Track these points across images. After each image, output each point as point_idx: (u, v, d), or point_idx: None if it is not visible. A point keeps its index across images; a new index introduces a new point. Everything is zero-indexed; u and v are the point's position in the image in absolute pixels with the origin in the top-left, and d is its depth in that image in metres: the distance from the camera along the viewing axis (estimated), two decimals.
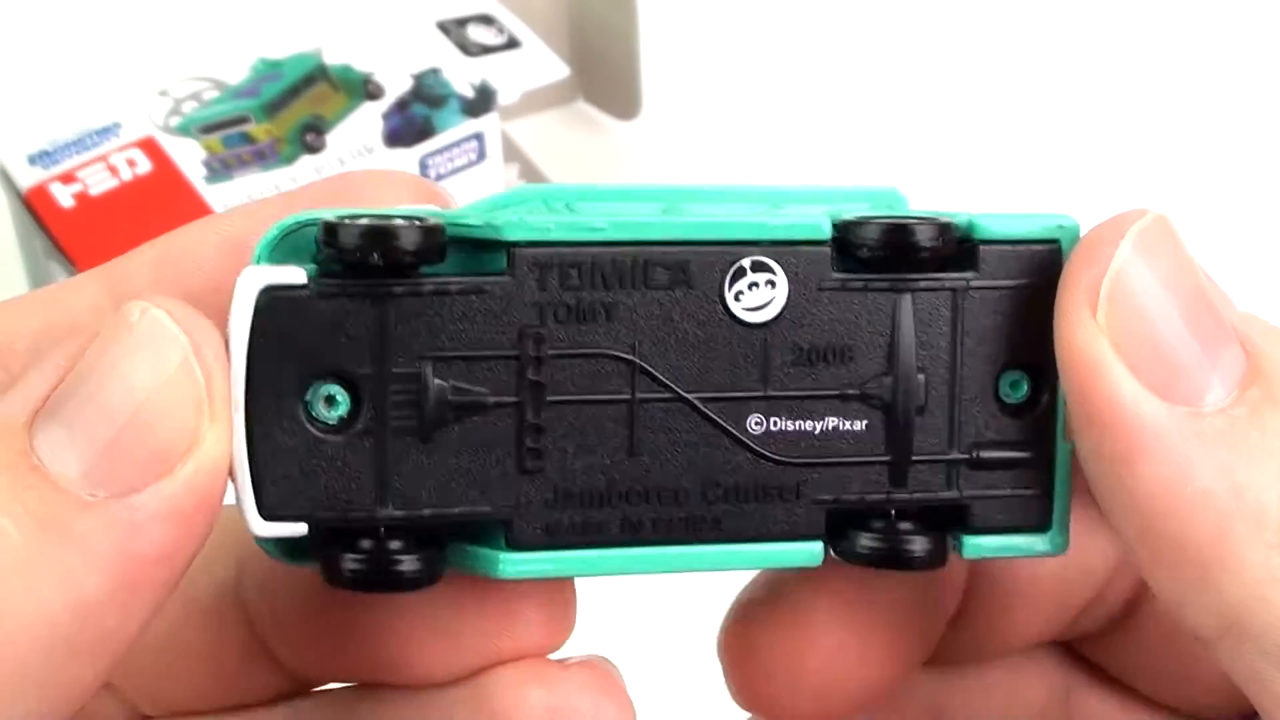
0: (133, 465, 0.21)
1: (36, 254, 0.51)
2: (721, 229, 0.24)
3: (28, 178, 0.50)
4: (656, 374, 0.24)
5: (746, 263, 0.24)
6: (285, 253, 0.23)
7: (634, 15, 0.57)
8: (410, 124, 0.52)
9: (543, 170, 0.59)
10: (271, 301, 0.22)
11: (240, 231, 0.25)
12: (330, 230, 0.22)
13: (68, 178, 0.50)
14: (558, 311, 0.23)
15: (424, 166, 0.52)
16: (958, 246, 0.24)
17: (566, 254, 0.23)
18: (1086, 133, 0.62)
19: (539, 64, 0.54)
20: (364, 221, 0.22)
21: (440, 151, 0.52)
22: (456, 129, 0.52)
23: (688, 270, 0.24)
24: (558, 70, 0.55)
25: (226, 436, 0.21)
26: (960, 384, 0.24)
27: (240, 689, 0.27)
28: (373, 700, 0.26)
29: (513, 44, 0.55)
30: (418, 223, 0.23)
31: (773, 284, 0.24)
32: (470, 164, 0.53)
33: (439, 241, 0.23)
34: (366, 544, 0.23)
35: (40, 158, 0.51)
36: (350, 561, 0.23)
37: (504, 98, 0.53)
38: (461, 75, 0.53)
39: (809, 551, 0.24)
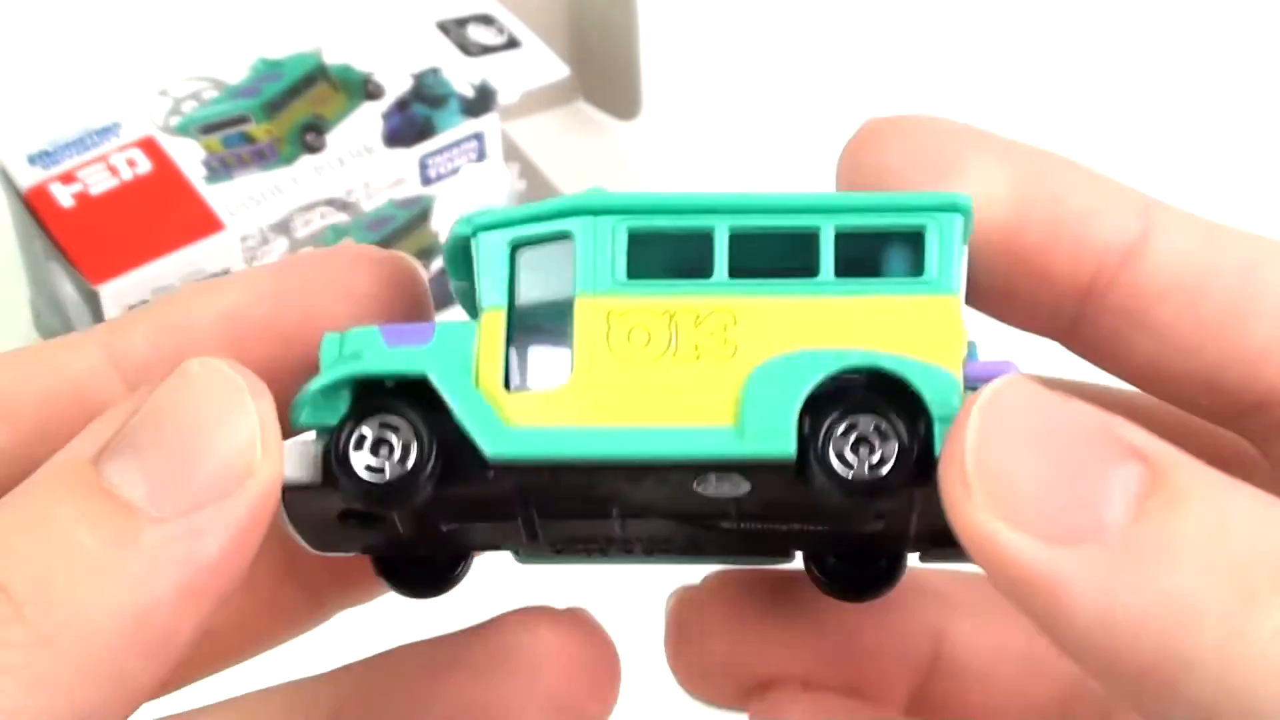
0: (195, 487, 0.24)
1: (36, 254, 0.51)
2: (685, 448, 0.25)
3: (28, 178, 0.50)
4: (636, 516, 0.27)
5: (712, 476, 0.25)
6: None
7: (634, 15, 0.57)
8: (410, 124, 0.52)
9: (543, 170, 0.59)
10: (291, 496, 0.25)
11: (236, 305, 0.27)
12: (333, 478, 0.25)
13: (68, 178, 0.50)
14: (540, 494, 0.26)
15: (424, 166, 0.52)
16: (914, 467, 0.24)
17: (543, 468, 0.25)
18: (1088, 134, 0.62)
19: (539, 64, 0.54)
20: (366, 478, 0.25)
21: (440, 151, 0.52)
22: (456, 129, 0.52)
23: (657, 477, 0.25)
24: (558, 70, 0.55)
25: (276, 466, 0.24)
26: (916, 523, 0.27)
27: (272, 612, 0.30)
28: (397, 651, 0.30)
29: (513, 44, 0.55)
30: (418, 469, 0.25)
31: (738, 483, 0.25)
32: (470, 164, 0.53)
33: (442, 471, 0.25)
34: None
35: (40, 158, 0.51)
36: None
37: (504, 98, 0.53)
38: (461, 75, 0.53)
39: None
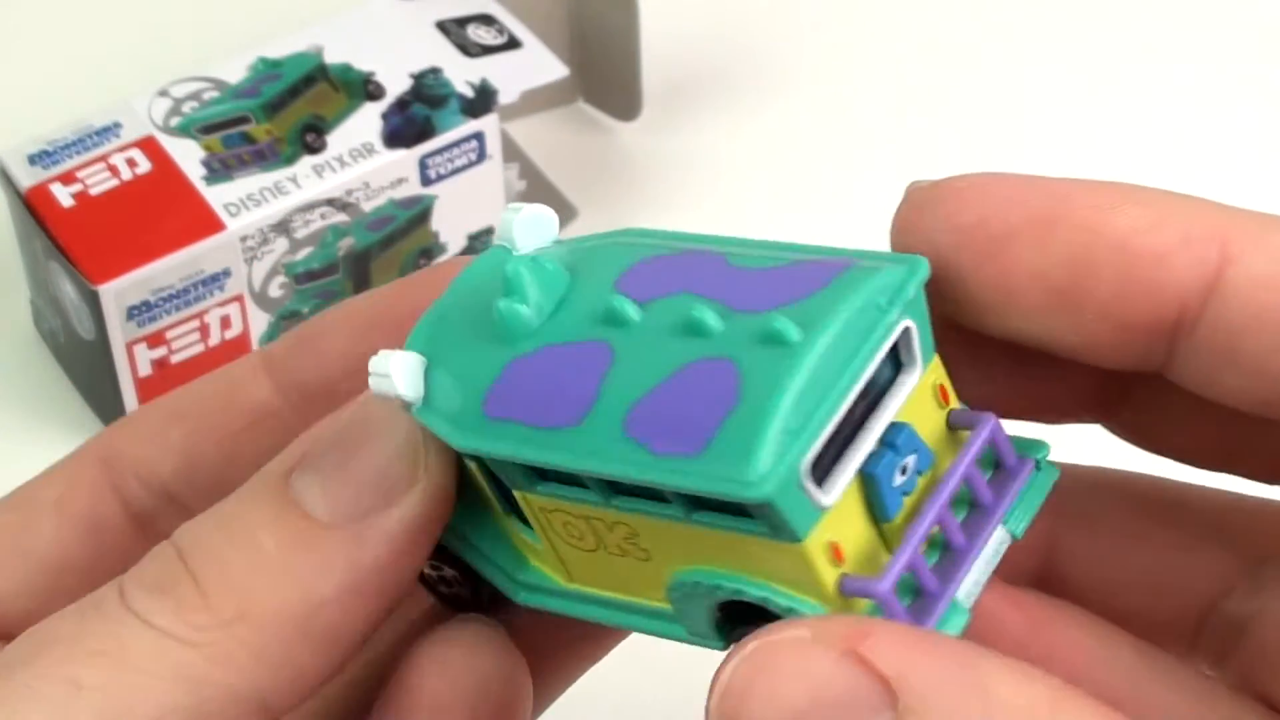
0: (362, 500, 0.28)
1: (36, 254, 0.51)
2: (643, 624, 0.29)
3: (28, 178, 0.50)
4: None
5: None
6: None
7: (634, 15, 0.57)
8: (410, 124, 0.52)
9: (543, 170, 0.59)
10: None
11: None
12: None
13: (68, 178, 0.50)
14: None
15: (424, 166, 0.52)
16: None
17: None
18: (1091, 136, 0.62)
19: (539, 64, 0.54)
20: (442, 591, 0.31)
21: (440, 151, 0.52)
22: (456, 129, 0.52)
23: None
24: (558, 70, 0.55)
25: (433, 481, 0.28)
26: None
27: None
28: None
29: (513, 44, 0.55)
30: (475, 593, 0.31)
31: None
32: (470, 164, 0.53)
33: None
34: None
35: (40, 158, 0.51)
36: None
37: (504, 98, 0.53)
38: (461, 75, 0.53)
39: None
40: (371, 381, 0.28)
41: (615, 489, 0.26)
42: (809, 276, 0.26)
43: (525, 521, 0.29)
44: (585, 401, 0.26)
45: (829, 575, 0.25)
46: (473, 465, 0.29)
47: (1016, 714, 0.23)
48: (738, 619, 0.27)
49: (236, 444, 0.33)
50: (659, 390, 0.26)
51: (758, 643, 0.24)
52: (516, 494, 0.28)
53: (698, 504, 0.26)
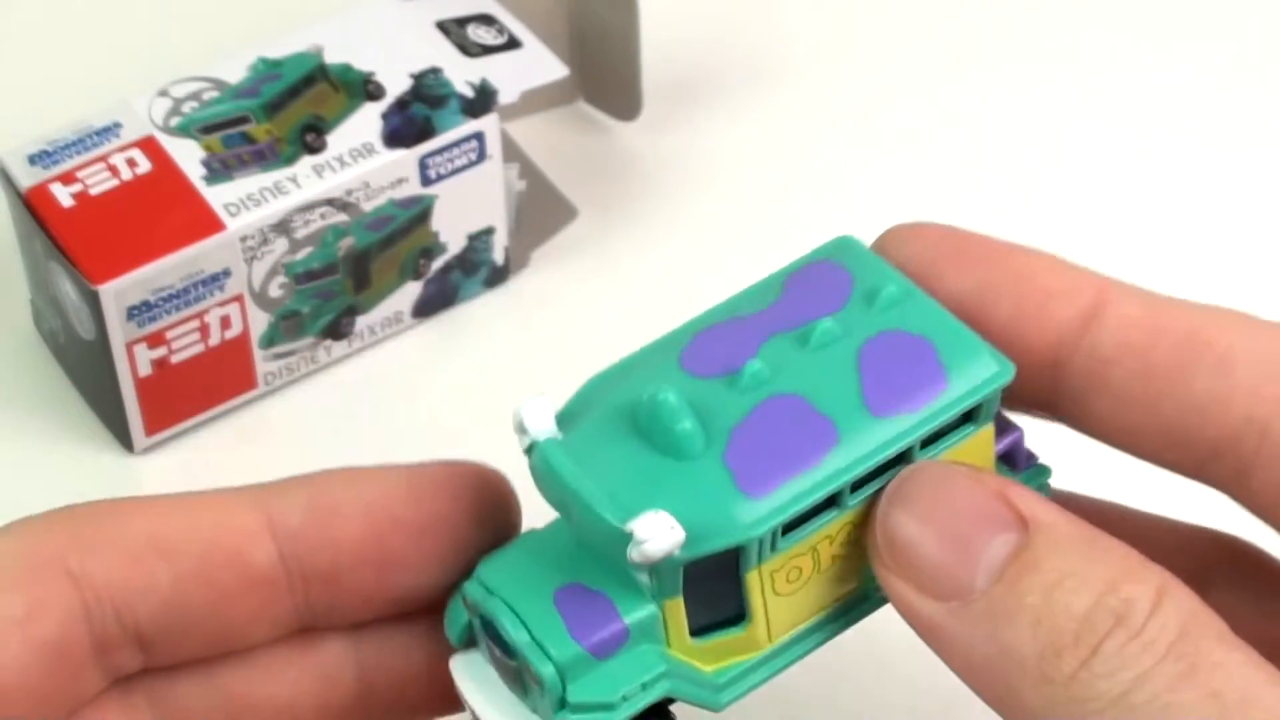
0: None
1: (36, 254, 0.51)
2: (836, 632, 0.34)
3: (28, 178, 0.50)
4: None
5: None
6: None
7: (635, 16, 0.57)
8: (410, 124, 0.52)
9: (543, 170, 0.59)
10: None
11: (380, 498, 0.33)
12: None
13: (68, 178, 0.50)
14: None
15: (424, 166, 0.52)
16: None
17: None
18: (1090, 135, 0.62)
19: (539, 64, 0.54)
20: None
21: (440, 151, 0.52)
22: (456, 129, 0.52)
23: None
24: (558, 70, 0.55)
25: None
26: None
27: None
28: None
29: (513, 44, 0.55)
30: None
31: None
32: (470, 164, 0.53)
33: None
34: None
35: (40, 158, 0.51)
36: None
37: (504, 98, 0.53)
38: (461, 75, 0.53)
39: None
40: (647, 549, 0.31)
41: (854, 486, 0.32)
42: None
43: (712, 630, 0.32)
44: (826, 428, 0.32)
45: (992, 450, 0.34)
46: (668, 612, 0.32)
47: (1118, 557, 0.30)
48: None
49: (227, 606, 0.31)
50: (868, 378, 0.32)
51: (934, 466, 0.32)
52: (749, 574, 0.32)
53: (926, 442, 0.32)
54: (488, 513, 0.34)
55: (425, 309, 0.56)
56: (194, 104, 0.52)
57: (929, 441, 0.33)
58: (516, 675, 0.32)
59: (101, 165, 0.51)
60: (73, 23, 0.66)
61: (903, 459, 0.32)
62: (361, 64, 0.53)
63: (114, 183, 0.50)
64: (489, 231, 0.55)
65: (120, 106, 0.53)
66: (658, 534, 0.30)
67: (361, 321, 0.54)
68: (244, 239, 0.50)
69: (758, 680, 0.33)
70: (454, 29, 0.55)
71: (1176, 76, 0.64)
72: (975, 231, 0.35)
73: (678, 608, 0.32)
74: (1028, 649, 0.29)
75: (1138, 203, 0.60)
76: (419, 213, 0.53)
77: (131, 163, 0.51)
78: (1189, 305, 0.33)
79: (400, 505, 0.32)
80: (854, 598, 0.34)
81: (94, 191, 0.50)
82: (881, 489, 0.32)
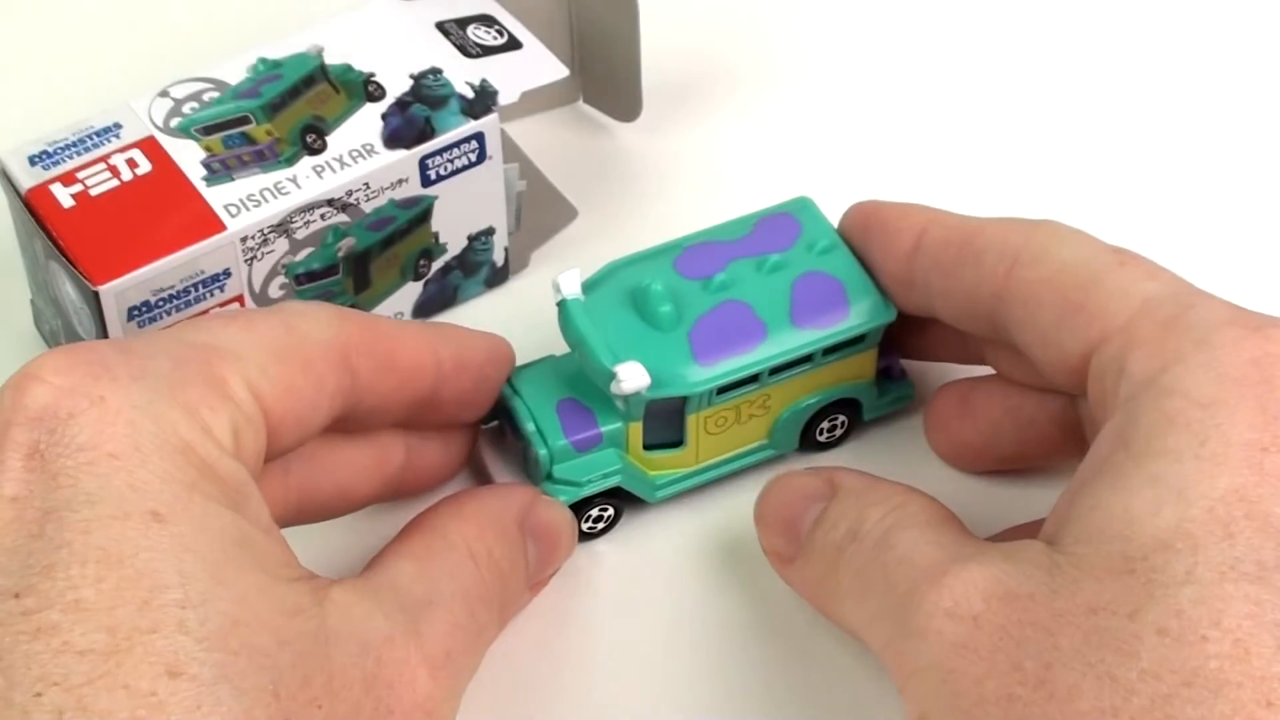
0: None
1: (36, 254, 0.51)
2: (748, 460, 0.50)
3: (28, 178, 0.50)
4: None
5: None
6: None
7: (635, 16, 0.57)
8: (410, 124, 0.52)
9: (543, 170, 0.59)
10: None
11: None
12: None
13: (68, 178, 0.50)
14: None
15: (424, 167, 0.52)
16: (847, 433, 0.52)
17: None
18: (1089, 133, 0.62)
19: (539, 64, 0.54)
20: (587, 528, 0.49)
21: (440, 152, 0.52)
22: (457, 130, 0.52)
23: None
24: (558, 71, 0.55)
25: None
26: None
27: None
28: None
29: (513, 44, 0.55)
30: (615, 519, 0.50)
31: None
32: (470, 164, 0.53)
33: None
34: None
35: (40, 158, 0.51)
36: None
37: (504, 98, 0.53)
38: (461, 76, 0.53)
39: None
40: (613, 388, 0.46)
41: (772, 371, 0.47)
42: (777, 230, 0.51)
43: (659, 448, 0.48)
44: (760, 328, 0.47)
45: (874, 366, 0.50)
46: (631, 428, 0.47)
47: (879, 495, 0.43)
48: (814, 424, 0.50)
49: (395, 403, 0.46)
50: (796, 299, 0.48)
51: (776, 479, 0.47)
52: (690, 416, 0.47)
53: (829, 351, 0.48)
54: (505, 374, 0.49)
55: (425, 309, 0.56)
56: (194, 105, 0.52)
57: (830, 351, 0.48)
58: (522, 452, 0.48)
59: (102, 166, 0.51)
60: (73, 24, 0.66)
61: (809, 359, 0.48)
62: (362, 64, 0.53)
63: (114, 183, 0.50)
64: (489, 232, 0.55)
65: (121, 107, 0.53)
66: (633, 377, 0.45)
67: None
68: (244, 240, 0.50)
69: (683, 487, 0.49)
70: (454, 30, 0.55)
71: (1176, 76, 0.64)
72: (885, 200, 0.49)
73: (638, 429, 0.47)
74: (825, 581, 0.43)
75: (1137, 202, 0.60)
76: (419, 213, 0.53)
77: (132, 163, 0.51)
78: (974, 221, 0.46)
79: (490, 363, 0.48)
80: (758, 446, 0.50)
81: (94, 192, 0.50)
82: (790, 373, 0.48)
